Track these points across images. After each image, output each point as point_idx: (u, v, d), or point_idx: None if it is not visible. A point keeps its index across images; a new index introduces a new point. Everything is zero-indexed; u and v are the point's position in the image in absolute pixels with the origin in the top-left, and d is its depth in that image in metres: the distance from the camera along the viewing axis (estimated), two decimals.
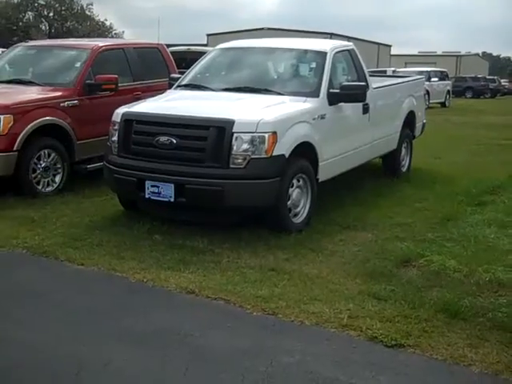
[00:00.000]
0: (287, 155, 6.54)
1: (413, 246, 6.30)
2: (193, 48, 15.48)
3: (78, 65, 9.05)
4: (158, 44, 10.65)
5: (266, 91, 7.37)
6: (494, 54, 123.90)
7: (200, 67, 8.35)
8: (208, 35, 66.01)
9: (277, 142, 6.41)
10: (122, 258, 5.97)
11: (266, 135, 6.34)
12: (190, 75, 8.21)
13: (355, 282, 5.42)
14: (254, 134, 6.32)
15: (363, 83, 7.87)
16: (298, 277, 5.49)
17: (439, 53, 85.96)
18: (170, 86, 8.36)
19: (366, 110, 8.24)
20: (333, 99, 7.42)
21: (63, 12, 63.52)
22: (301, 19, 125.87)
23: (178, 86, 8.07)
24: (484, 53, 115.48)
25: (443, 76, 32.97)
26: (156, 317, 4.74)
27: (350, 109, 7.87)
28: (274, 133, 6.40)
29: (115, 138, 6.96)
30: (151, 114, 6.85)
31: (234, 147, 6.30)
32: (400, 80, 10.22)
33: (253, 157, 6.32)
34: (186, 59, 12.87)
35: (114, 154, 6.97)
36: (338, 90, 7.45)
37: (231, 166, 6.32)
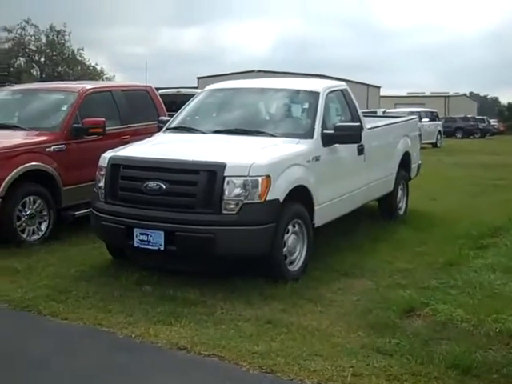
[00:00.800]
0: (282, 199, 6.26)
1: (416, 295, 5.97)
2: (183, 90, 15.30)
3: (64, 108, 8.80)
4: (146, 86, 10.44)
5: (258, 133, 7.13)
6: (482, 94, 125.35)
7: (189, 109, 8.12)
8: (198, 78, 66.19)
9: (271, 185, 6.14)
10: (109, 311, 5.62)
11: (260, 179, 6.07)
12: (179, 118, 7.96)
13: (357, 334, 5.09)
14: (247, 178, 6.05)
15: (357, 123, 7.65)
16: (296, 330, 5.16)
17: (427, 93, 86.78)
18: (159, 129, 8.11)
19: (360, 151, 8.01)
20: (327, 140, 7.19)
21: (54, 57, 63.70)
22: (289, 63, 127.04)
23: (167, 129, 7.82)
24: (471, 93, 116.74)
25: (433, 116, 33.03)
26: (145, 380, 4.38)
27: (345, 150, 7.63)
28: (268, 176, 6.13)
29: (102, 184, 6.67)
30: (139, 158, 6.57)
31: (226, 192, 6.02)
32: (394, 120, 10.03)
33: (246, 202, 6.04)
34: (176, 102, 12.64)
35: (100, 200, 6.67)
36: (332, 131, 7.22)
37: (223, 211, 6.03)
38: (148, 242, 6.19)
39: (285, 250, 6.45)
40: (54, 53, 64.15)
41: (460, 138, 45.21)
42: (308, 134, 7.08)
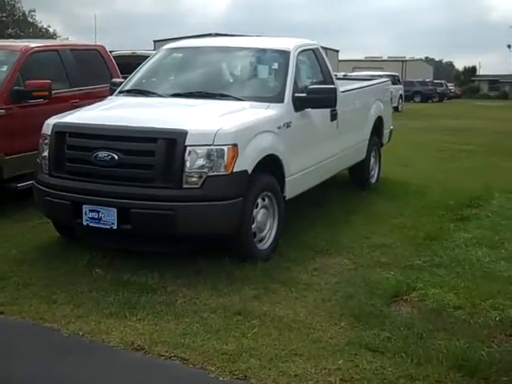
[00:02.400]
0: (250, 171, 5.56)
1: (400, 276, 5.38)
2: (138, 52, 14.29)
3: (3, 69, 7.86)
4: (97, 45, 9.52)
5: (222, 96, 6.36)
6: (436, 58, 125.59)
7: (145, 70, 7.29)
8: (155, 41, 64.48)
9: (238, 155, 5.42)
10: (54, 301, 4.88)
11: (226, 148, 5.35)
12: (133, 80, 7.14)
13: (340, 326, 4.45)
14: (211, 147, 5.32)
15: (333, 86, 6.94)
16: (270, 322, 4.50)
17: (385, 58, 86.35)
18: (111, 93, 7.27)
19: (334, 116, 7.33)
20: (299, 105, 6.47)
21: (4, 18, 61.41)
22: (247, 26, 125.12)
23: (120, 92, 6.98)
24: (427, 58, 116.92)
25: (395, 80, 32.44)
26: None
27: (318, 115, 6.93)
28: (235, 145, 5.41)
29: (45, 154, 5.87)
30: (87, 124, 5.74)
31: (188, 163, 5.28)
32: (367, 83, 9.31)
33: (210, 174, 5.31)
34: (131, 64, 11.66)
35: (44, 172, 5.87)
36: (304, 94, 6.49)
37: (184, 185, 5.29)
38: (99, 219, 5.43)
39: (254, 226, 5.78)
40: (4, 14, 62.00)
41: (419, 102, 44.85)
42: (278, 98, 6.35)
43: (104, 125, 5.61)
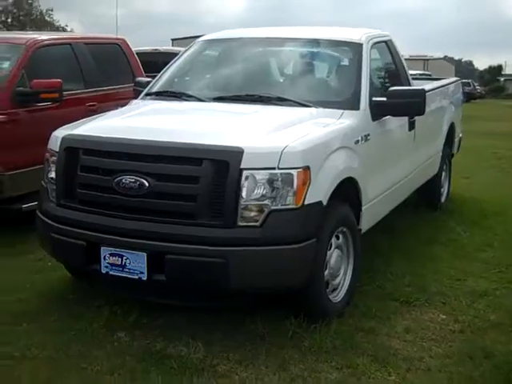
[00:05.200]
0: (325, 202, 4.12)
1: None
2: (161, 49, 12.86)
3: (5, 66, 6.51)
4: (118, 39, 8.07)
5: (280, 101, 4.90)
6: (456, 57, 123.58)
7: (178, 68, 5.82)
8: (173, 40, 63.24)
9: (310, 182, 3.99)
10: None
11: (295, 172, 3.91)
12: (163, 79, 5.68)
13: None
14: (275, 172, 3.89)
15: (421, 88, 5.45)
16: None
17: (407, 56, 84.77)
18: (135, 95, 5.85)
19: (412, 125, 5.87)
20: (377, 112, 5.02)
21: (21, 18, 60.62)
22: (265, 24, 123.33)
23: (148, 95, 5.54)
24: (446, 56, 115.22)
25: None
26: None
27: (396, 124, 5.49)
28: (307, 168, 3.97)
29: (52, 176, 4.46)
30: (107, 138, 4.26)
31: (244, 192, 3.85)
32: (441, 83, 7.77)
33: (274, 208, 3.88)
34: (154, 62, 10.21)
35: (50, 200, 4.47)
36: (384, 99, 5.04)
37: (239, 223, 3.86)
38: (122, 267, 4.02)
39: (326, 273, 4.34)
40: (21, 13, 61.38)
41: None
42: (352, 103, 4.89)
43: (130, 139, 4.14)
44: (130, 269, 4.00)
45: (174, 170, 3.95)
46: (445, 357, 3.94)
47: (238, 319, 4.31)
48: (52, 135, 4.61)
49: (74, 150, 4.30)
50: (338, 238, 4.48)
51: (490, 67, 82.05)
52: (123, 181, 4.01)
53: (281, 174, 3.89)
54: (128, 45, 8.04)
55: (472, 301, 4.89)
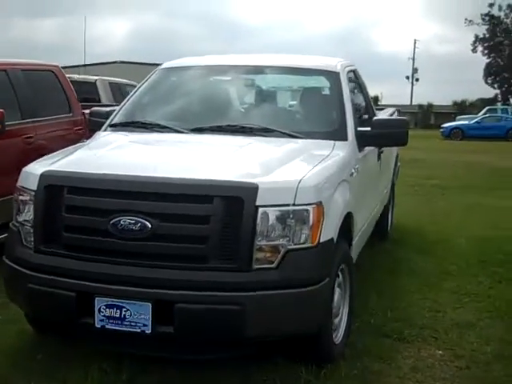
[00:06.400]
0: (335, 239, 3.90)
1: None
2: (75, 76, 12.15)
3: None
4: (52, 65, 7.48)
5: (266, 132, 4.64)
6: None
7: (141, 97, 5.40)
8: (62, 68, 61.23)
9: (324, 218, 3.76)
10: None
11: (311, 208, 3.66)
12: (127, 109, 5.26)
13: None
14: (292, 208, 3.62)
15: (404, 118, 5.36)
16: None
17: None
18: (92, 126, 5.39)
19: (379, 154, 5.80)
20: (362, 142, 4.89)
21: None
22: (151, 54, 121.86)
23: (112, 126, 5.12)
24: None
25: None
26: None
27: (371, 155, 5.39)
28: (320, 204, 3.73)
29: (27, 218, 3.96)
30: (98, 175, 3.83)
31: (259, 232, 3.55)
32: (390, 111, 7.75)
33: (290, 247, 3.61)
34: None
35: (25, 245, 3.95)
36: (368, 129, 4.90)
37: (255, 265, 3.55)
38: (121, 319, 3.59)
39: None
40: None
41: None
42: (340, 134, 4.69)
43: (126, 176, 3.73)
44: (130, 321, 3.58)
45: (181, 209, 3.58)
46: None
47: (242, 370, 3.97)
48: (23, 172, 4.12)
49: (58, 188, 3.83)
50: (338, 275, 4.26)
51: None
52: (121, 222, 3.60)
53: (297, 210, 3.63)
54: (62, 72, 7.48)
55: (461, 333, 4.82)
